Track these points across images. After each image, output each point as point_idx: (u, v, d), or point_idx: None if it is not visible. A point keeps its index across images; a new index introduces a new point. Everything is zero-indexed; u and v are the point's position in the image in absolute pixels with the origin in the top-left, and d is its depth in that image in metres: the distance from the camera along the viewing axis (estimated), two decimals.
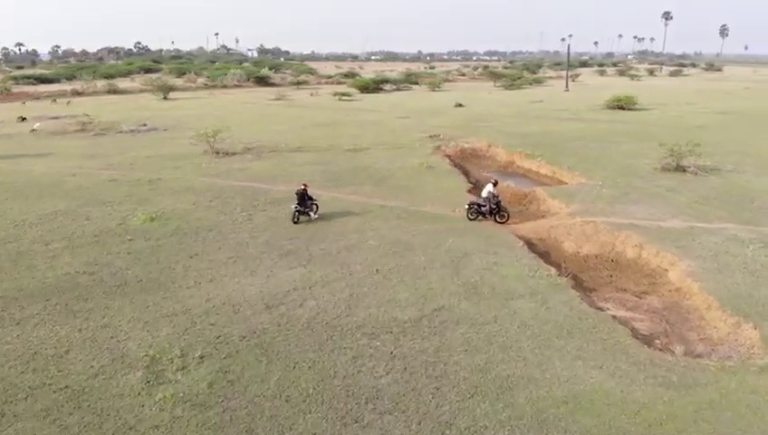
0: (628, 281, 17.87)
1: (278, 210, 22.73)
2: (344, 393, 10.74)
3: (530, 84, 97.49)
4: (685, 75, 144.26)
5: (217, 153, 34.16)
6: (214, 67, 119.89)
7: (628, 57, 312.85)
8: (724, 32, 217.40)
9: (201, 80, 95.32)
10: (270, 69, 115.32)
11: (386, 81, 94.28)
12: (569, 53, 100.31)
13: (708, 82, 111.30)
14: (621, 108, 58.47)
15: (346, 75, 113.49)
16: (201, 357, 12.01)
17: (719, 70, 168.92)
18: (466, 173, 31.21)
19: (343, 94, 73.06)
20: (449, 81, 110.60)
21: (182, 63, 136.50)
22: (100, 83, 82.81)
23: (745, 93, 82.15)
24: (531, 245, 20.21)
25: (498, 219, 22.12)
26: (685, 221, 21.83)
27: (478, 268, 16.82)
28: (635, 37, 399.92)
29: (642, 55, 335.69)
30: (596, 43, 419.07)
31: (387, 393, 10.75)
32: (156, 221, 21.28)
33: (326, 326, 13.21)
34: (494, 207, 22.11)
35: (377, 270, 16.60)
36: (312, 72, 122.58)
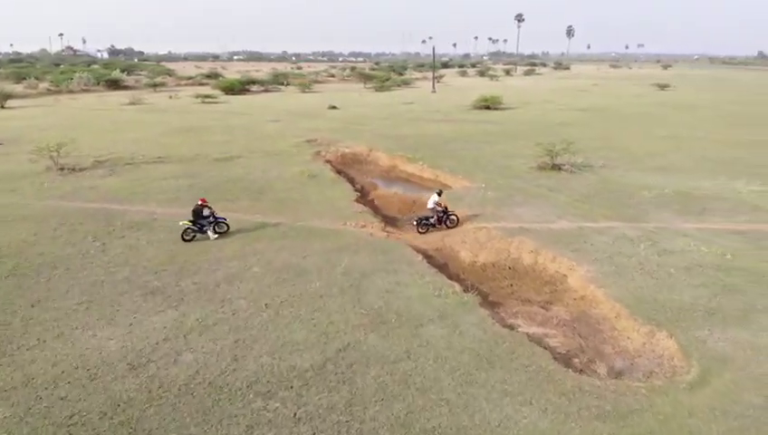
0: (528, 290, 17.21)
1: (139, 236, 19.57)
2: None
3: (399, 86, 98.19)
4: (538, 74, 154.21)
5: (63, 170, 29.59)
6: (59, 71, 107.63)
7: (484, 58, 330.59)
8: (570, 32, 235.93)
9: (44, 85, 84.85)
10: (122, 71, 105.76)
11: (252, 81, 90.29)
12: (434, 55, 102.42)
13: (560, 81, 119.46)
14: (488, 108, 60.16)
15: (208, 76, 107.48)
16: None
17: (567, 68, 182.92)
18: (351, 180, 29.60)
19: (207, 96, 68.59)
20: (319, 82, 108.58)
21: (22, 67, 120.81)
22: None
23: (597, 90, 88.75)
24: (428, 257, 19.01)
25: (449, 225, 21.91)
26: (572, 222, 21.82)
27: (380, 291, 15.20)
28: (490, 39, 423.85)
29: (496, 56, 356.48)
30: (454, 44, 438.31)
31: None
32: None
33: (209, 387, 10.82)
34: (442, 214, 21.90)
35: (266, 305, 14.37)
36: (170, 73, 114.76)
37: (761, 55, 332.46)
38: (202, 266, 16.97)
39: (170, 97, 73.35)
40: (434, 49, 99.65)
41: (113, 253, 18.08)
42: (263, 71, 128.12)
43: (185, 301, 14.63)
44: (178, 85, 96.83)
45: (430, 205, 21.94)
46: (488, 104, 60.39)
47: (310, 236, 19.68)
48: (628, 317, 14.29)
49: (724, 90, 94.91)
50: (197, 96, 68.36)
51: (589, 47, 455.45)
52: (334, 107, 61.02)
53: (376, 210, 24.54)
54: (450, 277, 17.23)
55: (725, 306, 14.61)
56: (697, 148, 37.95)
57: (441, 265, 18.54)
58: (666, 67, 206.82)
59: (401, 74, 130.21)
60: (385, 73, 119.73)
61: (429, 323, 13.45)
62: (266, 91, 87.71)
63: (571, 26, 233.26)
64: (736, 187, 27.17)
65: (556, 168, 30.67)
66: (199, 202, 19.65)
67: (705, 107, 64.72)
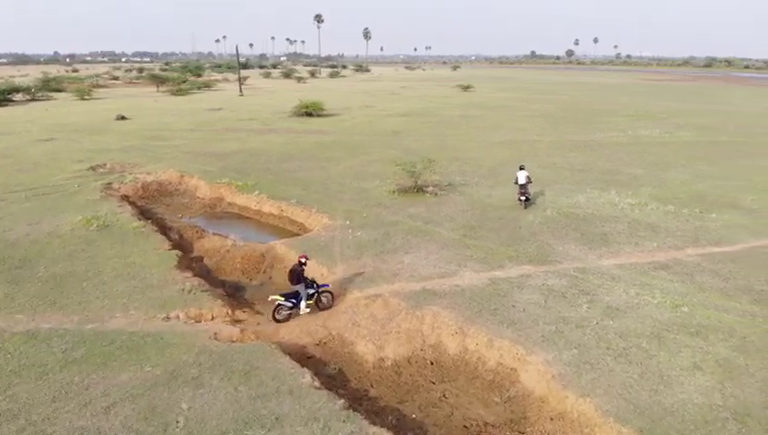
0: (471, 400, 11.74)
1: None
2: None
3: (199, 89, 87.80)
4: (342, 76, 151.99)
5: None
6: None
7: (282, 59, 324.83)
8: (367, 35, 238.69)
9: None
10: None
11: (15, 89, 73.20)
12: (238, 55, 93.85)
13: (367, 83, 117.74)
14: (310, 114, 54.30)
15: None
16: None
17: (368, 70, 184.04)
18: (162, 226, 21.61)
19: None
20: (101, 86, 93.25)
21: None
22: None
23: (408, 93, 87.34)
24: (311, 360, 12.59)
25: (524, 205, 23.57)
26: (477, 271, 16.88)
27: None
28: (288, 39, 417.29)
29: (294, 57, 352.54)
30: (251, 44, 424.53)
31: None
32: None
33: None
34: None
35: None
36: None
37: (533, 55, 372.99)
38: None
39: None
40: (237, 48, 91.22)
41: None
42: (30, 75, 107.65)
43: None
44: None
45: (523, 180, 23.52)
46: (310, 110, 54.47)
47: (111, 356, 11.90)
48: None
49: (518, 89, 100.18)
50: None
51: (382, 49, 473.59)
52: (124, 117, 50.51)
53: (210, 277, 17.25)
54: (359, 398, 11.09)
55: (749, 404, 10.60)
56: (540, 154, 36.06)
57: (333, 375, 12.21)
58: (455, 68, 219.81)
59: (199, 76, 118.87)
60: (180, 75, 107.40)
61: None
62: (34, 100, 71.86)
63: (367, 29, 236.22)
64: (612, 200, 24.73)
65: (419, 190, 25.84)
66: (300, 259, 14.81)
67: (513, 107, 65.87)
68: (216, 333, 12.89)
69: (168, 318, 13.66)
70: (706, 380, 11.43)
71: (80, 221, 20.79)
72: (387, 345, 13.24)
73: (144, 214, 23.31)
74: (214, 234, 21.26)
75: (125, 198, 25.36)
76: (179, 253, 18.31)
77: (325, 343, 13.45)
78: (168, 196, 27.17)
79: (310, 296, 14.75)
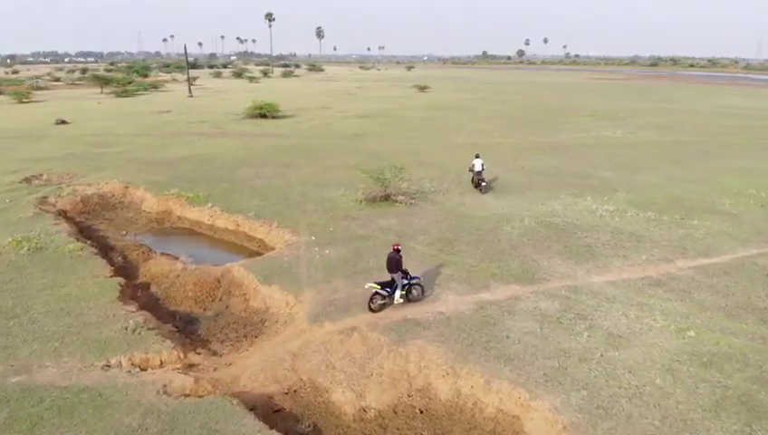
0: None
1: None
2: None
3: (146, 90, 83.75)
4: (295, 76, 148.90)
5: None
6: None
7: (232, 58, 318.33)
8: (320, 34, 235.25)
9: None
10: None
11: None
12: (186, 55, 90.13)
13: (322, 83, 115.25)
14: (264, 116, 51.88)
15: None
16: None
17: (322, 70, 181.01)
18: (104, 247, 19.21)
19: None
20: (42, 88, 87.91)
21: None
22: None
23: (364, 94, 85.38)
24: (278, 413, 10.70)
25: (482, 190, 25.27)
26: (461, 293, 15.29)
27: None
28: (238, 38, 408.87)
29: (245, 56, 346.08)
30: (200, 44, 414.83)
31: None
32: None
33: None
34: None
35: None
36: None
37: (484, 55, 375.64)
38: None
39: None
40: (186, 48, 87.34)
41: None
42: None
43: None
44: None
45: (479, 167, 25.42)
46: (264, 112, 52.04)
47: (40, 420, 9.72)
48: None
49: (474, 89, 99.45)
50: None
51: (335, 49, 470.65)
52: (64, 121, 46.99)
53: (158, 308, 15.07)
54: None
55: None
56: (506, 157, 34.82)
57: (305, 433, 10.33)
58: (409, 68, 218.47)
59: (146, 76, 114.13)
60: (125, 76, 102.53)
61: None
62: None
63: (320, 28, 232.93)
64: (589, 207, 23.60)
65: (387, 199, 24.12)
66: (396, 247, 14.43)
67: (472, 107, 64.83)
68: (165, 386, 10.78)
69: (109, 366, 11.48)
70: (733, 422, 10.12)
71: (9, 243, 18.22)
72: (368, 392, 11.44)
73: (83, 232, 20.86)
74: (162, 254, 19.00)
75: (62, 213, 22.75)
76: (122, 280, 16.02)
77: (295, 390, 11.53)
78: (111, 210, 24.60)
79: (403, 287, 14.41)
